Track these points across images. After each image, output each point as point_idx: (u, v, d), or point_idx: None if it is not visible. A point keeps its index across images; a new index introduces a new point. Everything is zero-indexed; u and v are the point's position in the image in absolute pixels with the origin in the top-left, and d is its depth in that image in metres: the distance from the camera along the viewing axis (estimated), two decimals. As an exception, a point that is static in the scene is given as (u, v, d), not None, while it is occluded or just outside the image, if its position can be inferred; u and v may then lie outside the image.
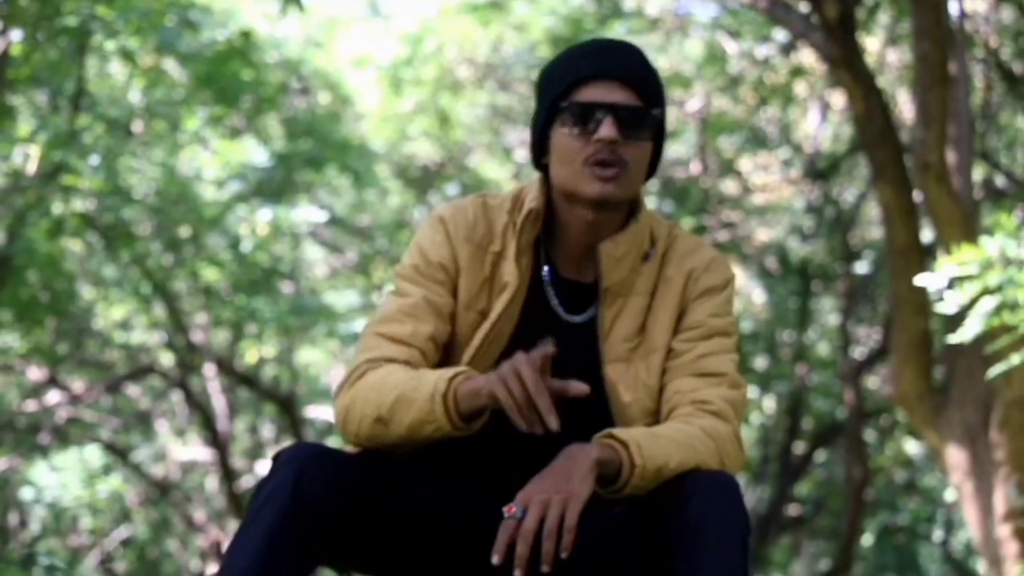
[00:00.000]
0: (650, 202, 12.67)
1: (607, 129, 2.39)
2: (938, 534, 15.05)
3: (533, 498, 2.22)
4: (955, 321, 5.25)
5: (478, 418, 2.34)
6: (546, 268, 2.53)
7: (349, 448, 2.49)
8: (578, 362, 2.45)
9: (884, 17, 10.49)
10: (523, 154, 12.63)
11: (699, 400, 2.43)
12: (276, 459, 2.34)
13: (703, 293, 2.51)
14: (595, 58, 2.45)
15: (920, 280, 4.96)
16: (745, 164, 12.99)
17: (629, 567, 2.34)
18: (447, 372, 2.36)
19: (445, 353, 2.52)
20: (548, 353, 2.25)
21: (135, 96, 10.24)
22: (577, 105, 2.41)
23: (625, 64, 2.44)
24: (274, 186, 11.13)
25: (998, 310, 4.57)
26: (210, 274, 11.23)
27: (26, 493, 14.87)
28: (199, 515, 14.94)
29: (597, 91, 2.41)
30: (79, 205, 9.55)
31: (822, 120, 12.69)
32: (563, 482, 2.22)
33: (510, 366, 2.25)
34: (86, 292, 12.36)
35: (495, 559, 2.21)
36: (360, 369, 2.46)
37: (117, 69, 10.03)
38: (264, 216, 10.93)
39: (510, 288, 2.48)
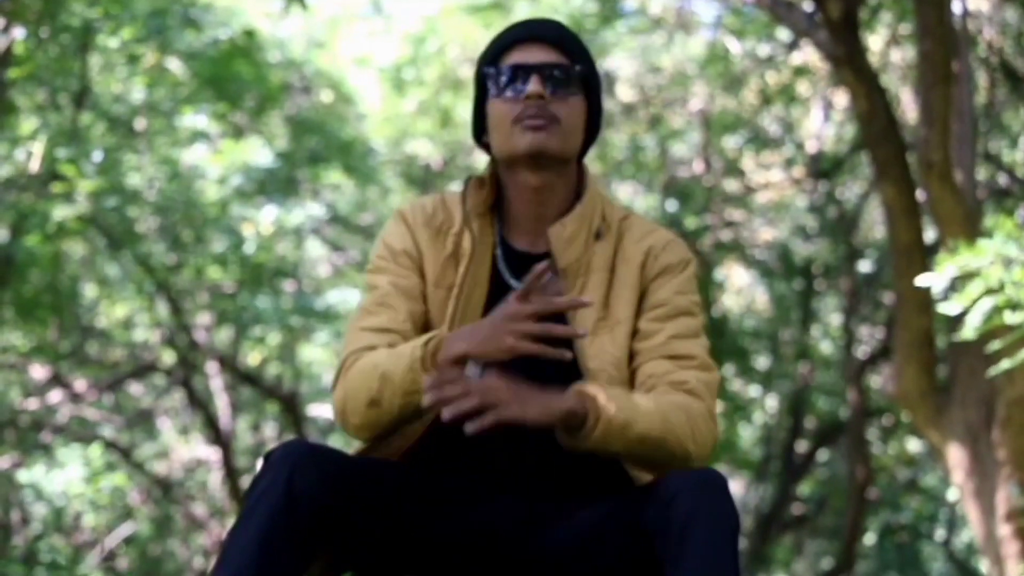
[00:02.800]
0: (654, 201, 12.73)
1: (533, 85, 2.49)
2: (940, 533, 15.04)
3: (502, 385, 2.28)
4: (957, 320, 5.24)
5: None
6: (499, 237, 2.58)
7: (353, 449, 2.50)
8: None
9: (887, 16, 10.48)
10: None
11: (674, 381, 2.47)
12: (268, 457, 2.35)
13: (663, 271, 2.56)
14: (519, 27, 2.58)
15: (921, 280, 4.95)
16: (748, 163, 12.98)
17: (617, 568, 2.34)
18: (419, 340, 2.42)
19: (425, 331, 2.55)
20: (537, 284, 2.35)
21: (138, 94, 10.23)
22: (505, 68, 2.52)
23: (546, 27, 2.57)
24: (277, 184, 11.12)
25: (998, 310, 4.56)
26: (213, 272, 11.22)
27: (28, 491, 14.87)
28: (201, 513, 14.94)
29: (522, 54, 2.53)
30: (80, 204, 9.54)
31: (825, 119, 12.67)
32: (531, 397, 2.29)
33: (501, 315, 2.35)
34: (89, 290, 12.36)
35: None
36: (347, 363, 2.51)
37: (119, 65, 10.02)
38: (268, 214, 10.91)
39: (466, 257, 2.54)
